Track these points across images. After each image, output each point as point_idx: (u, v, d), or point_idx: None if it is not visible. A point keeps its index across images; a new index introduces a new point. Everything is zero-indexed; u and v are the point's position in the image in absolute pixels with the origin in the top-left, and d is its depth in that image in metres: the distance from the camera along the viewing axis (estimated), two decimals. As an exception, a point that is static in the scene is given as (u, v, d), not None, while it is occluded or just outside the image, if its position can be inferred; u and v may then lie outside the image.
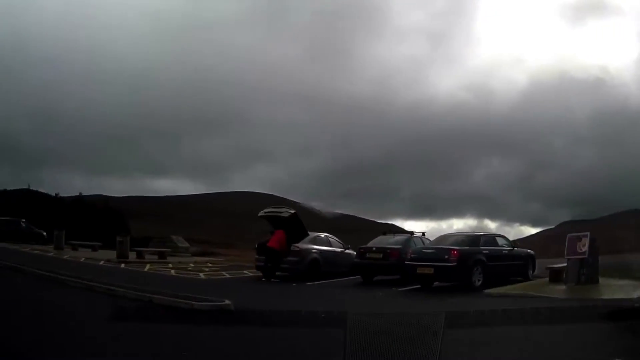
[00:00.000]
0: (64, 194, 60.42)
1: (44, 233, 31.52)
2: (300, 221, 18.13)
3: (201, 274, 18.49)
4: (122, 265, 20.58)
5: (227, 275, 18.86)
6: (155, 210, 77.23)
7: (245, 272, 19.85)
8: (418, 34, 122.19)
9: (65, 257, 22.73)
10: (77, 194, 61.88)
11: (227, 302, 9.81)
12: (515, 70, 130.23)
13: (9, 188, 66.39)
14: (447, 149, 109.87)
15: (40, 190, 61.04)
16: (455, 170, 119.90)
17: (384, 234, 19.63)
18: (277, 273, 17.43)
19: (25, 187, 64.47)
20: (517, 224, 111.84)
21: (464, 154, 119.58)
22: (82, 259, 21.99)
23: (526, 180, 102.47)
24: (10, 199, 58.83)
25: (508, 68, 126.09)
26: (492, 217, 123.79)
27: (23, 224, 32.59)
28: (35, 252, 24.34)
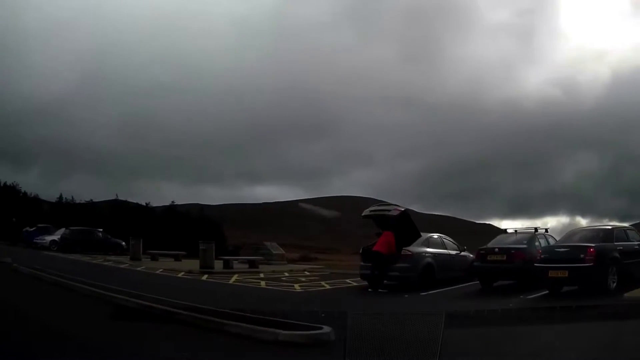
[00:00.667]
0: (158, 203, 60.73)
1: (123, 243, 30.33)
2: (411, 220, 16.20)
3: (296, 286, 16.10)
4: (204, 277, 18.07)
5: (327, 286, 16.50)
6: (253, 217, 76.94)
7: (347, 281, 17.68)
8: (505, 32, 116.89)
9: (138, 268, 20.41)
10: (170, 202, 62.13)
11: (325, 329, 7.07)
12: (598, 64, 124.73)
13: (101, 199, 69.74)
14: (539, 146, 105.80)
15: (131, 200, 62.36)
16: (547, 168, 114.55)
17: (505, 231, 17.50)
18: (384, 282, 15.49)
19: (114, 197, 67.73)
20: (607, 220, 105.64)
21: (555, 150, 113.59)
22: (159, 271, 19.50)
23: (614, 175, 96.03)
24: (99, 209, 61.34)
25: (592, 62, 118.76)
26: (583, 214, 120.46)
27: (100, 234, 31.69)
28: (106, 263, 22.62)
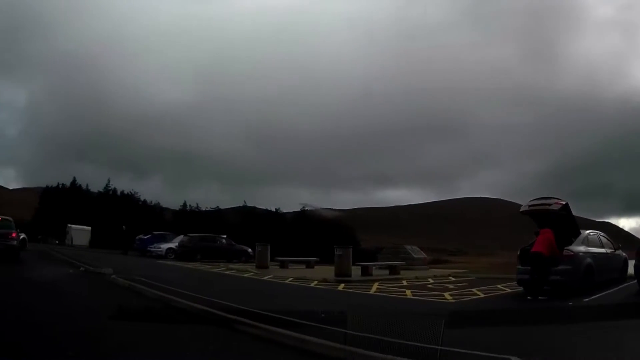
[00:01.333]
0: (287, 209, 61.34)
1: (249, 249, 28.52)
2: (572, 215, 14.73)
3: (446, 294, 13.88)
4: (341, 287, 15.37)
5: (480, 294, 14.13)
6: (384, 220, 74.60)
7: (498, 287, 15.60)
8: (612, 28, 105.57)
9: (265, 277, 17.85)
10: (300, 208, 62.18)
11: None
12: None
13: (227, 206, 70.96)
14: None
15: (260, 206, 63.58)
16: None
17: None
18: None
19: (241, 204, 67.53)
20: None
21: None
22: (289, 280, 16.93)
23: None
24: (225, 216, 61.06)
25: None
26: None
27: (223, 240, 30.05)
28: (228, 271, 20.56)
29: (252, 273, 19.81)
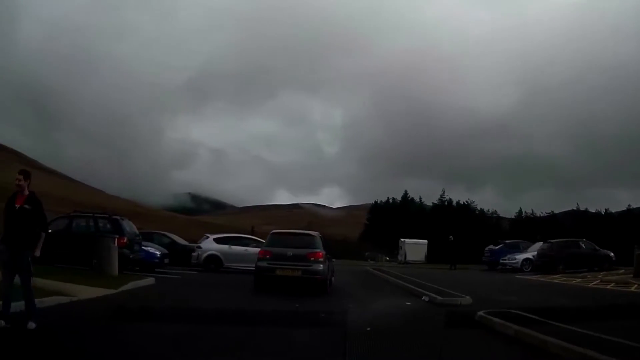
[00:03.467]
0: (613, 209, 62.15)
1: (611, 254, 24.83)
2: None
3: None
4: None
5: None
6: None
7: None
8: None
9: None
10: (626, 207, 61.48)
11: None
12: None
13: (560, 210, 64.05)
14: None
15: (590, 209, 63.90)
16: None
17: None
18: None
19: (574, 207, 66.31)
20: None
21: None
22: None
23: None
24: (559, 220, 59.22)
25: None
26: None
27: (582, 244, 25.68)
28: (609, 286, 16.95)
29: (635, 286, 16.08)
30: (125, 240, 15.68)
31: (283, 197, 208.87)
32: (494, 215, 68.61)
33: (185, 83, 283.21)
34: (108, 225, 16.14)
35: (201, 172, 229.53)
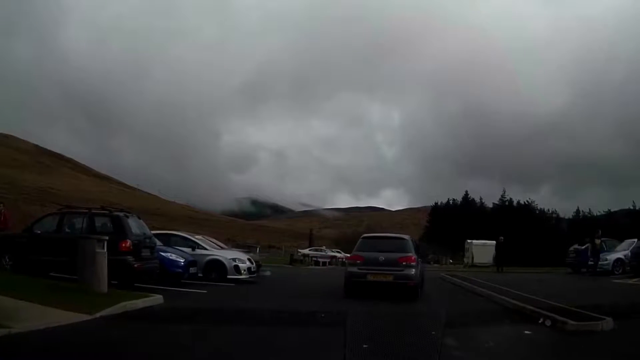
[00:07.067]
0: None
1: None
2: None
3: None
4: None
5: None
6: None
7: None
8: None
9: None
10: None
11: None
12: None
13: (617, 208, 59.92)
14: None
15: None
16: None
17: None
18: None
19: (630, 206, 63.03)
20: None
21: None
22: None
23: None
24: (617, 219, 57.30)
25: None
26: None
27: None
28: None
29: None
30: (127, 244, 11.99)
31: (342, 201, 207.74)
32: (554, 215, 65.84)
33: (243, 86, 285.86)
34: (109, 224, 12.50)
35: (261, 176, 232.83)
